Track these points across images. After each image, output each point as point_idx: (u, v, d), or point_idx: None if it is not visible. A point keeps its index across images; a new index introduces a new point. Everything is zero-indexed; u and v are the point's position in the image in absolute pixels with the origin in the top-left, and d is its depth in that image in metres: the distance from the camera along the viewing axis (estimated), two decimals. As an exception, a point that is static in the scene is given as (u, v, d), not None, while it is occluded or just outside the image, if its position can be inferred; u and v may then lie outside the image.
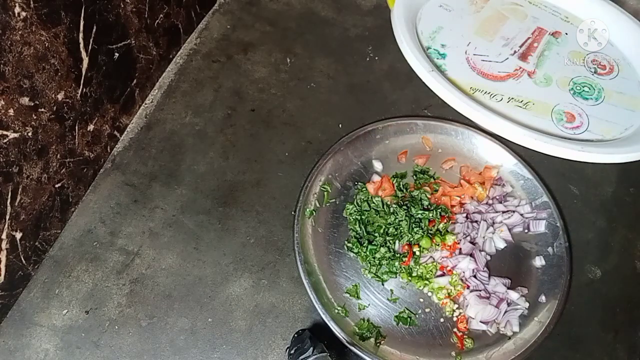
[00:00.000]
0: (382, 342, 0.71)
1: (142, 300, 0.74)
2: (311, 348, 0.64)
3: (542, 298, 0.75)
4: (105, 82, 0.79)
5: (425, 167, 0.86)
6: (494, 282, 0.75)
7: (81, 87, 0.74)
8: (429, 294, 0.75)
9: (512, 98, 0.85)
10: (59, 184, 0.75)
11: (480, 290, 0.75)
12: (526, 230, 0.81)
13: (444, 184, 0.84)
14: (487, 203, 0.83)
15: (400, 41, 0.86)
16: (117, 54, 0.80)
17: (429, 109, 0.94)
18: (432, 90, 0.82)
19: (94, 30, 0.72)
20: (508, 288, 0.75)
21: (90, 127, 0.79)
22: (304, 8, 1.09)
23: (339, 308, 0.73)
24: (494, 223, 0.81)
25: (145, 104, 0.93)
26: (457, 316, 0.74)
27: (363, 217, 0.80)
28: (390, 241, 0.77)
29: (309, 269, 0.75)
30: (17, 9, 0.57)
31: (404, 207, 0.79)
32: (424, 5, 0.96)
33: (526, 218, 0.81)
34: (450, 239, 0.77)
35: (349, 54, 1.02)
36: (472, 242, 0.78)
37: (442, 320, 0.74)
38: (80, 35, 0.70)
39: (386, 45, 1.02)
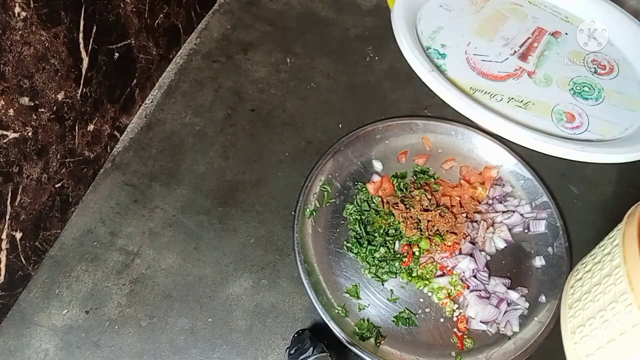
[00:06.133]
0: (382, 342, 0.71)
1: (142, 300, 0.74)
2: (311, 348, 0.64)
3: (542, 298, 0.75)
4: (105, 82, 0.79)
5: (425, 167, 0.86)
6: (494, 282, 0.75)
7: (81, 87, 0.74)
8: (429, 294, 0.75)
9: (512, 98, 0.85)
10: (59, 184, 0.75)
11: (480, 290, 0.75)
12: (526, 230, 0.81)
13: (444, 184, 0.84)
14: (487, 203, 0.83)
15: (400, 41, 0.86)
16: (117, 54, 0.80)
17: (429, 109, 0.94)
18: (432, 90, 0.82)
19: (94, 30, 0.72)
20: (508, 288, 0.75)
21: (90, 127, 0.79)
22: (304, 8, 1.09)
23: (339, 308, 0.73)
24: (494, 223, 0.81)
25: (145, 104, 0.93)
26: (457, 316, 0.74)
27: (363, 217, 0.80)
28: (390, 241, 0.77)
29: (309, 269, 0.75)
30: (17, 9, 0.57)
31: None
32: (424, 5, 0.96)
33: (526, 218, 0.81)
34: (450, 240, 0.77)
35: (349, 54, 1.02)
36: (472, 242, 0.78)
37: (442, 320, 0.74)
38: (80, 35, 0.70)
39: (386, 45, 1.02)
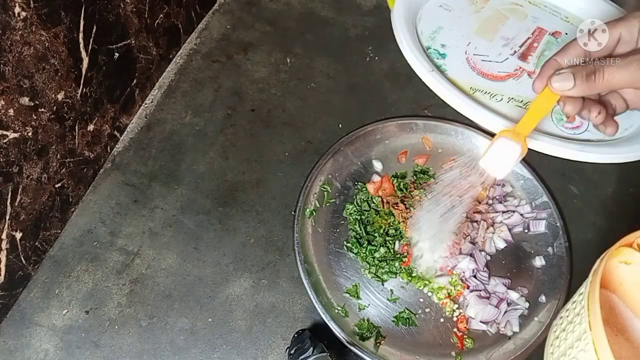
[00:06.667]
0: (382, 342, 0.71)
1: (142, 300, 0.74)
2: (311, 348, 0.64)
3: (542, 298, 0.75)
4: (105, 82, 0.79)
5: (425, 167, 0.86)
6: (494, 282, 0.75)
7: (81, 87, 0.74)
8: (429, 294, 0.75)
9: (512, 98, 0.85)
10: (59, 184, 0.75)
11: (480, 290, 0.75)
12: (526, 230, 0.81)
13: (444, 184, 0.84)
14: (487, 203, 0.83)
15: (400, 41, 0.86)
16: (117, 54, 0.80)
17: (429, 109, 0.94)
18: (432, 90, 0.82)
19: (94, 30, 0.72)
20: (508, 288, 0.75)
21: (90, 127, 0.79)
22: (304, 8, 1.09)
23: (339, 308, 0.73)
24: (494, 223, 0.81)
25: (145, 104, 0.93)
26: (457, 316, 0.74)
27: (363, 217, 0.80)
28: (390, 241, 0.77)
29: (309, 269, 0.75)
30: (17, 9, 0.57)
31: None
32: (424, 5, 0.96)
33: (526, 218, 0.81)
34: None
35: (349, 54, 1.02)
36: (472, 242, 0.78)
37: (442, 320, 0.74)
38: (80, 35, 0.70)
39: (386, 45, 1.02)
